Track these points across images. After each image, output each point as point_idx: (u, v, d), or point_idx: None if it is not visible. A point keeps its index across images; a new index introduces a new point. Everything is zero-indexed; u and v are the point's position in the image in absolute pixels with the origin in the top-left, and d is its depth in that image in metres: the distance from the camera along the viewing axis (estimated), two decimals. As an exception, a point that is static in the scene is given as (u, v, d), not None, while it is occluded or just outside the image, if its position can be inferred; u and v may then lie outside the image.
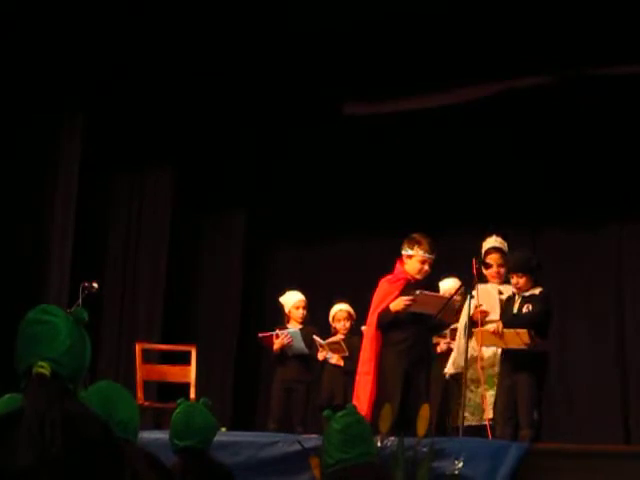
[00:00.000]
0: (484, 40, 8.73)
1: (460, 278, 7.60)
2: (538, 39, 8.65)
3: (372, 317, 7.40)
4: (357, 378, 7.36)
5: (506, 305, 7.23)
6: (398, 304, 7.22)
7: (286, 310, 8.63)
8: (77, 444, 2.47)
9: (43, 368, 2.61)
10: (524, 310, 7.09)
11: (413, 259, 7.34)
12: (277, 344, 8.37)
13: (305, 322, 8.55)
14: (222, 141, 10.43)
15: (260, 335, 8.61)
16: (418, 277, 7.35)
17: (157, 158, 10.52)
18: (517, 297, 7.19)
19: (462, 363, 7.15)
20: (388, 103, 9.68)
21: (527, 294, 7.15)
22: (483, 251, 7.62)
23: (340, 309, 8.53)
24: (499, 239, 7.53)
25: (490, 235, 7.58)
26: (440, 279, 8.07)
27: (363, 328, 7.79)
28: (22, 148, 9.71)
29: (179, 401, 4.55)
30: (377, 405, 6.95)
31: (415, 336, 7.24)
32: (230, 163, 10.52)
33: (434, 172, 9.88)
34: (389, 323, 7.25)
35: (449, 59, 8.97)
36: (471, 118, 9.46)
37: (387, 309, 7.27)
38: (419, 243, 7.33)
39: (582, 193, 9.38)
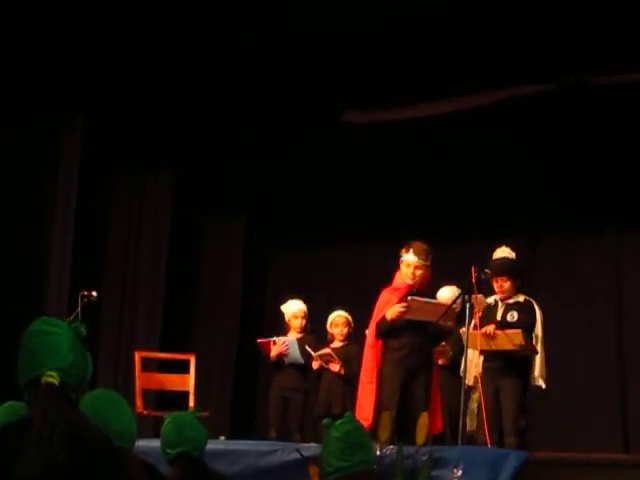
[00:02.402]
0: (484, 48, 8.74)
1: (459, 286, 7.59)
2: (538, 47, 8.66)
3: (372, 326, 7.39)
4: (360, 387, 7.33)
5: (487, 312, 7.19)
6: (393, 312, 7.19)
7: (286, 318, 8.64)
8: (81, 454, 2.48)
9: (52, 378, 2.63)
10: (509, 318, 7.07)
11: (403, 264, 7.32)
12: (274, 351, 8.37)
13: (305, 331, 8.53)
14: (222, 144, 10.44)
15: (259, 341, 8.62)
16: (410, 282, 7.30)
17: (157, 160, 10.51)
18: (500, 304, 7.16)
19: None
20: (388, 111, 9.69)
21: (511, 301, 7.13)
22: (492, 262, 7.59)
23: (338, 315, 8.52)
24: (507, 249, 7.49)
25: (500, 246, 7.54)
26: (440, 287, 8.06)
27: (367, 332, 7.77)
28: (22, 149, 9.72)
29: (167, 415, 4.55)
30: (379, 414, 6.93)
31: (412, 343, 7.22)
32: (230, 167, 10.53)
33: (434, 179, 9.89)
34: (386, 331, 7.23)
35: (449, 67, 8.98)
36: (471, 126, 9.47)
37: (384, 317, 7.26)
38: (408, 248, 7.31)
39: (581, 200, 9.39)
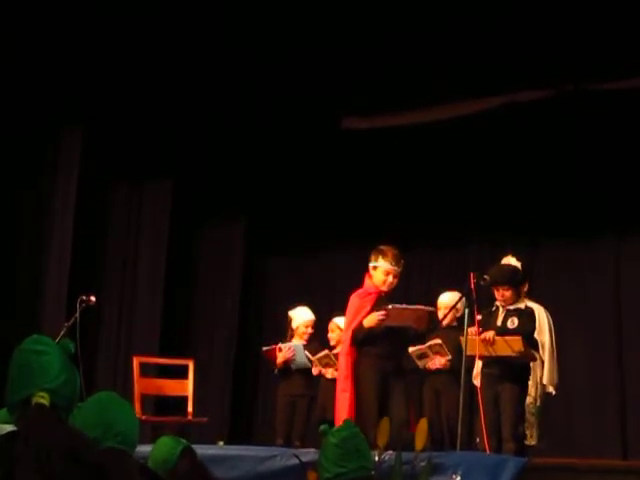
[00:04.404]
0: (483, 54, 8.76)
1: (459, 291, 7.60)
2: (537, 53, 8.67)
3: (346, 334, 7.33)
4: (337, 396, 7.28)
5: (488, 317, 7.21)
6: (372, 319, 7.16)
7: (293, 325, 8.59)
8: (77, 470, 2.50)
9: (43, 398, 2.66)
10: (509, 324, 7.08)
11: (377, 270, 7.29)
12: (280, 358, 8.35)
13: (311, 339, 8.52)
14: (221, 151, 10.45)
15: (263, 349, 8.59)
16: (384, 289, 7.28)
17: (156, 164, 10.50)
18: (501, 310, 7.17)
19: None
20: (387, 117, 9.70)
21: (512, 307, 7.14)
22: None
23: (332, 320, 8.52)
24: (513, 259, 7.50)
25: (506, 255, 7.54)
26: (440, 293, 8.07)
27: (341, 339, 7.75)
28: (21, 159, 9.73)
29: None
30: (358, 422, 6.90)
31: (389, 350, 7.20)
32: (230, 171, 10.53)
33: (434, 185, 9.91)
34: (364, 339, 7.20)
35: (447, 73, 8.99)
36: (470, 132, 9.48)
37: (361, 325, 7.21)
38: (383, 254, 7.28)
39: (581, 204, 9.40)
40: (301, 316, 8.55)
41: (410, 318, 7.23)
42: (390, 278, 7.28)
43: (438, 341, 7.73)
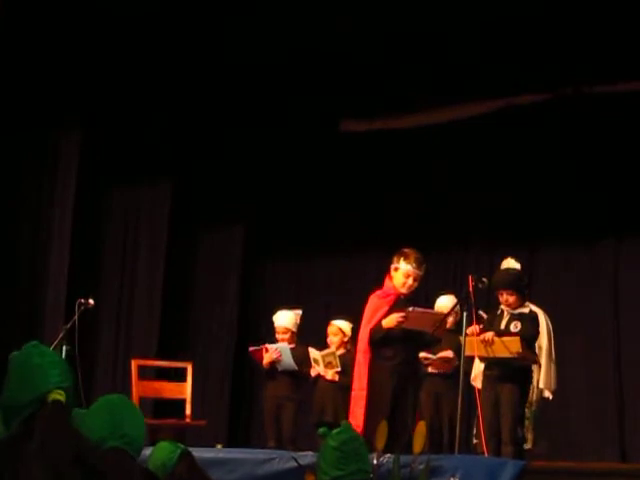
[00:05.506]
0: (482, 57, 8.77)
1: (457, 295, 7.60)
2: (536, 57, 8.69)
3: (364, 332, 7.34)
4: (352, 394, 7.31)
5: (492, 320, 7.21)
6: (390, 321, 7.16)
7: None
8: (78, 473, 2.53)
9: (60, 395, 2.72)
10: (512, 328, 7.08)
11: (398, 272, 7.28)
12: (266, 359, 8.33)
13: (293, 343, 8.49)
14: (220, 154, 10.45)
15: (250, 349, 8.58)
16: (404, 291, 7.28)
17: (155, 169, 10.51)
18: (505, 313, 7.18)
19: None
20: (385, 120, 9.71)
21: (516, 312, 7.13)
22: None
23: (332, 324, 8.50)
24: (512, 261, 7.49)
25: (506, 258, 7.53)
26: (437, 296, 8.07)
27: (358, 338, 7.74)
28: (21, 161, 9.75)
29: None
30: (370, 421, 6.91)
31: (405, 353, 7.21)
32: (228, 176, 10.54)
33: (432, 188, 9.91)
34: (381, 339, 7.21)
35: (446, 76, 9.00)
36: (469, 135, 9.50)
37: (379, 325, 7.22)
38: (406, 256, 7.27)
39: (580, 208, 9.40)
40: (275, 320, 8.54)
41: (428, 323, 7.21)
42: (410, 281, 7.28)
43: (450, 354, 7.72)
